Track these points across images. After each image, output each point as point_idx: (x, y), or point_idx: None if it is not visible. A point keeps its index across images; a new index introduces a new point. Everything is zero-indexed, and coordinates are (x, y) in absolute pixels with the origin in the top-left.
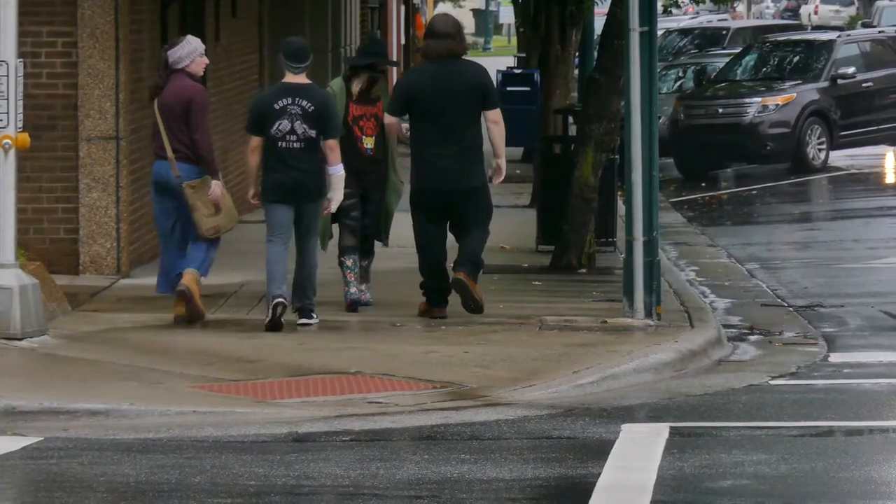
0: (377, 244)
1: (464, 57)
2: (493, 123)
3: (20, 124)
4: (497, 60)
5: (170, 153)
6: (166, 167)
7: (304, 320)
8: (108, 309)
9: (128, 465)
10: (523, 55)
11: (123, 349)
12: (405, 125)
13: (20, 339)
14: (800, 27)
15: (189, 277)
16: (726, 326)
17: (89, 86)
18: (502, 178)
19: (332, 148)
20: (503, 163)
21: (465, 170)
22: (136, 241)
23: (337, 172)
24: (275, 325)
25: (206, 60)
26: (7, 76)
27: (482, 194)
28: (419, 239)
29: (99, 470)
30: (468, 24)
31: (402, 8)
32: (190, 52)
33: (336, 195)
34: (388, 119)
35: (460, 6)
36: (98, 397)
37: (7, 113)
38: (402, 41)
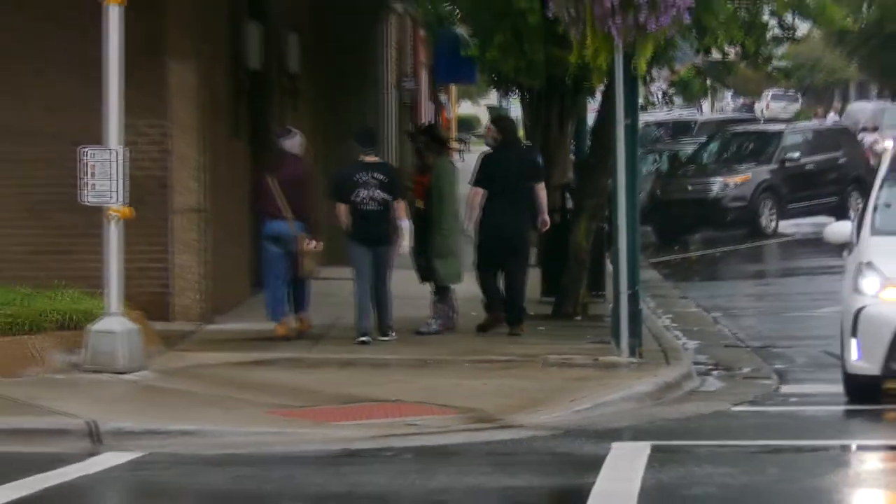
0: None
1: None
2: (542, 190)
3: (124, 199)
4: None
5: (289, 214)
6: (284, 225)
7: (382, 338)
8: (194, 349)
9: (213, 475)
10: (529, 143)
11: (208, 382)
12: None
13: (125, 374)
14: (754, 120)
15: (307, 322)
16: (696, 363)
17: (178, 168)
18: (548, 226)
19: (402, 207)
20: (547, 217)
21: (520, 224)
22: (216, 295)
23: (405, 225)
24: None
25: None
26: (114, 161)
27: (527, 243)
28: (486, 272)
29: (190, 479)
30: (483, 117)
31: (432, 106)
32: (299, 143)
33: (405, 241)
34: (476, 190)
35: (478, 104)
36: (189, 420)
37: (115, 190)
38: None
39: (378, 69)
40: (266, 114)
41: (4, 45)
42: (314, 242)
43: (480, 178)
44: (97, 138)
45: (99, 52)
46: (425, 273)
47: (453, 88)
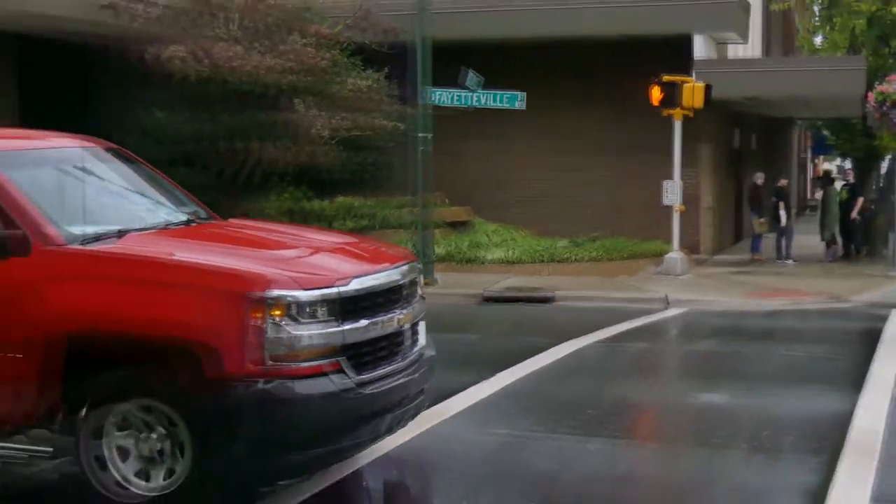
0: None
1: None
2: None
3: (679, 200)
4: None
5: (752, 208)
6: (751, 214)
7: (792, 262)
8: (708, 266)
9: (720, 319)
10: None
11: (715, 279)
12: None
13: (680, 276)
14: None
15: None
16: None
17: (703, 187)
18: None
19: (780, 206)
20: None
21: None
22: (718, 243)
23: (782, 214)
24: (786, 263)
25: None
26: (678, 186)
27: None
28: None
29: (707, 321)
30: (833, 169)
31: (813, 165)
32: (760, 177)
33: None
34: (861, 199)
35: (830, 163)
36: (707, 294)
37: (676, 196)
38: (812, 176)
39: (790, 148)
40: (743, 166)
41: (621, 143)
42: (762, 219)
43: (860, 194)
44: (664, 177)
45: (658, 141)
46: (822, 234)
47: (821, 157)
